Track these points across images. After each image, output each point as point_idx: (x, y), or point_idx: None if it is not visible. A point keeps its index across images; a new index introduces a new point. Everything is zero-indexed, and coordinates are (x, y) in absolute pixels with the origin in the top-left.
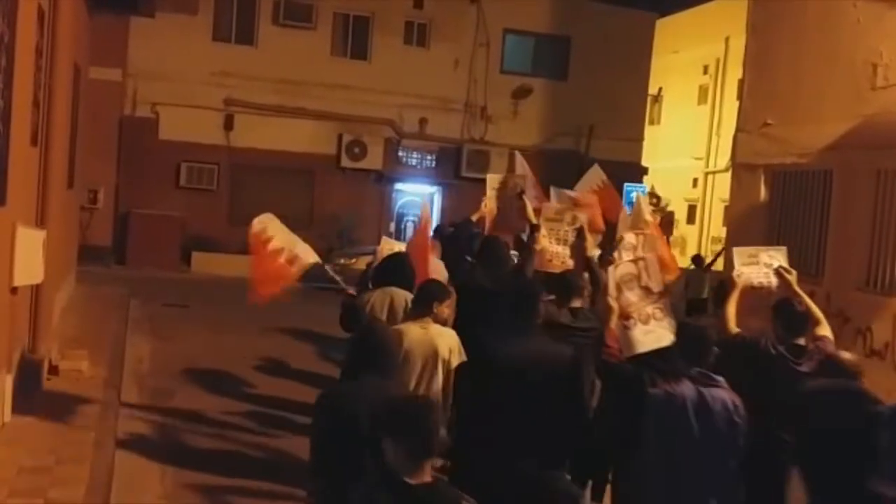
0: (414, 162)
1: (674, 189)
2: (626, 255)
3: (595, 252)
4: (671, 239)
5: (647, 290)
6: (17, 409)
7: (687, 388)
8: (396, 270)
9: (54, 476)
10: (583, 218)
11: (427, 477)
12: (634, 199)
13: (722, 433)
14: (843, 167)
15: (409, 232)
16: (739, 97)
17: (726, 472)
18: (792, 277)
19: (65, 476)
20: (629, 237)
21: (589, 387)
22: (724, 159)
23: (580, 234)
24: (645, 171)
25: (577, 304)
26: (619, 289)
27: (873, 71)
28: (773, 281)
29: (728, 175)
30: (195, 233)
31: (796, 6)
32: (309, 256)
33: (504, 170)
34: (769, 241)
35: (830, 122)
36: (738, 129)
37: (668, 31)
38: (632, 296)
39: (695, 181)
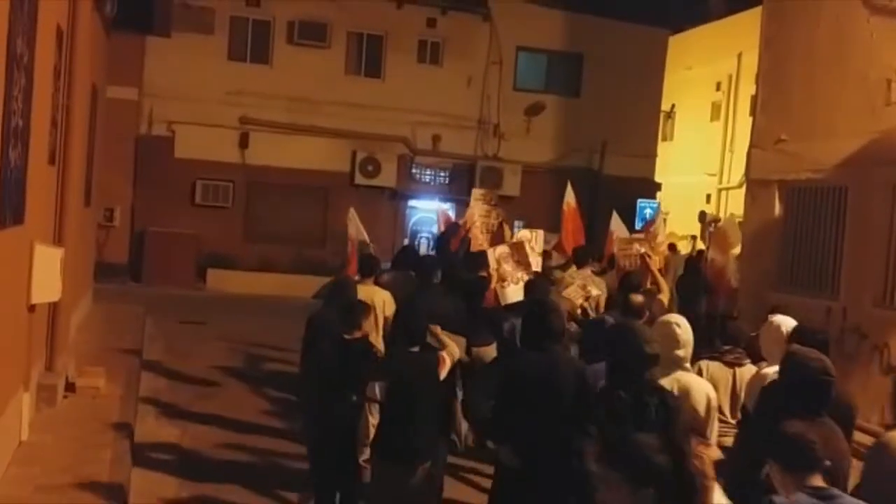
0: (427, 179)
1: (687, 205)
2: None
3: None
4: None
5: (518, 263)
6: (34, 426)
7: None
8: (408, 259)
9: (70, 494)
10: (503, 214)
11: (358, 334)
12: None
13: None
14: (858, 183)
15: (423, 248)
16: (752, 113)
17: None
18: (652, 262)
19: (81, 494)
20: (525, 233)
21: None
22: (737, 175)
23: (501, 225)
24: (658, 187)
25: (483, 274)
26: (498, 263)
27: (887, 86)
28: (638, 262)
29: (742, 191)
30: (210, 250)
31: (809, 22)
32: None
33: (518, 185)
34: (784, 257)
35: (844, 137)
36: (751, 145)
37: (681, 47)
38: (508, 267)
39: (708, 197)
